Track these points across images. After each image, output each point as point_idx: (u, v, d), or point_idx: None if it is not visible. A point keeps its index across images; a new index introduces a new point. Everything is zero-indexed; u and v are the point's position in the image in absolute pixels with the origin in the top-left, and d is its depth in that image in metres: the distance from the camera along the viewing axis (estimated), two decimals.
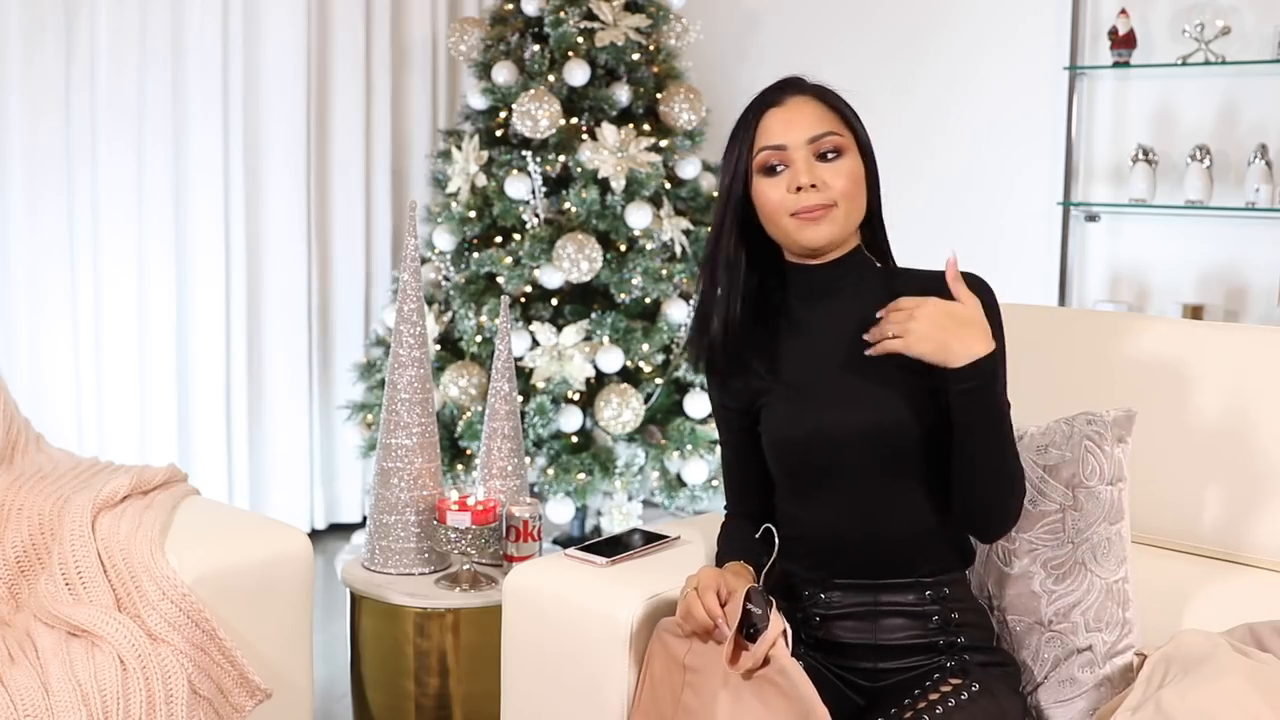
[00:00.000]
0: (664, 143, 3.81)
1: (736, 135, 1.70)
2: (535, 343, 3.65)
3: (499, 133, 3.88)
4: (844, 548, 1.68)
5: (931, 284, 1.64)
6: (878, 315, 1.60)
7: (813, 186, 1.63)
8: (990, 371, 1.56)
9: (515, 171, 3.73)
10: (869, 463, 1.65)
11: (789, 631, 1.54)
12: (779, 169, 1.66)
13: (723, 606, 1.59)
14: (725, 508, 1.89)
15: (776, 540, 1.70)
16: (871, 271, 1.74)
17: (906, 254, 1.80)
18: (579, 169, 3.71)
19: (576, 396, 3.70)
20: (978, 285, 1.66)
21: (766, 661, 1.51)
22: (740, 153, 1.69)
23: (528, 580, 1.90)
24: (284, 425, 4.16)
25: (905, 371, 1.63)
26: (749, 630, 1.54)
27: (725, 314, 1.73)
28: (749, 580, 1.68)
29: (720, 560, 1.78)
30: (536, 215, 3.73)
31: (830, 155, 1.65)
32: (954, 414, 1.59)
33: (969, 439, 1.59)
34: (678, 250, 3.76)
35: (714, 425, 3.68)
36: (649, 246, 3.71)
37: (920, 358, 1.55)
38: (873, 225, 1.74)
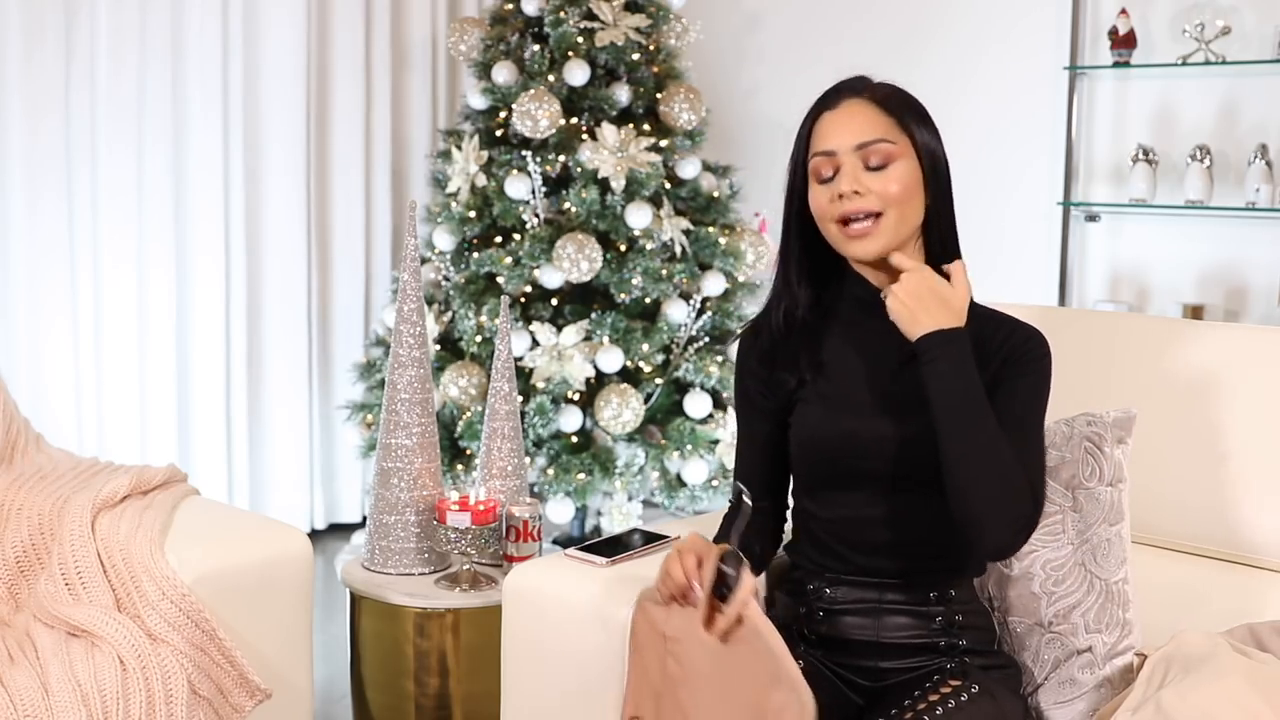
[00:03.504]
0: (664, 143, 3.81)
1: (798, 137, 1.70)
2: (535, 343, 3.65)
3: (499, 133, 3.88)
4: (856, 548, 1.68)
5: (1000, 327, 1.65)
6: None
7: (855, 193, 1.62)
8: (952, 350, 1.54)
9: (515, 171, 3.73)
10: (894, 473, 1.64)
11: (760, 591, 1.51)
12: (828, 174, 1.65)
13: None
14: (730, 500, 1.88)
15: (749, 501, 1.66)
16: None
17: None
18: (579, 169, 3.71)
19: (576, 396, 3.70)
20: (1038, 343, 1.65)
21: (740, 623, 1.49)
22: (799, 155, 1.69)
23: (528, 580, 1.90)
24: (284, 425, 4.16)
25: None
26: (723, 592, 1.51)
27: (785, 309, 1.74)
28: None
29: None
30: (536, 215, 3.73)
31: (879, 163, 1.63)
32: (927, 393, 1.57)
33: (937, 425, 1.56)
34: (678, 250, 3.76)
35: (713, 426, 3.71)
36: (649, 246, 3.71)
37: (894, 322, 1.58)
38: (940, 236, 1.68)
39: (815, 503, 1.72)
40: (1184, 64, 3.59)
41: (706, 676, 1.51)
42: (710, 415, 3.75)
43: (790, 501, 1.84)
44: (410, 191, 4.48)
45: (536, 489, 3.63)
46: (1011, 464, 1.54)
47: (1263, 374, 1.86)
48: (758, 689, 1.46)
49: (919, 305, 1.57)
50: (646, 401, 3.70)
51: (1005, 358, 1.64)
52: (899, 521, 1.66)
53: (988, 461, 1.53)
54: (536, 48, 3.87)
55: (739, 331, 1.85)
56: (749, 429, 1.82)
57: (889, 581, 1.67)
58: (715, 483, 3.79)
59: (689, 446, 3.70)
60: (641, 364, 3.71)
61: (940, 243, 1.69)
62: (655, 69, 3.92)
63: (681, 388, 3.80)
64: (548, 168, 3.73)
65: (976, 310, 1.68)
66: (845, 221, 1.63)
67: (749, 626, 1.48)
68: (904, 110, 1.68)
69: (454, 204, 3.84)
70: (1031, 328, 1.68)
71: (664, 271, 3.72)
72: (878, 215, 1.62)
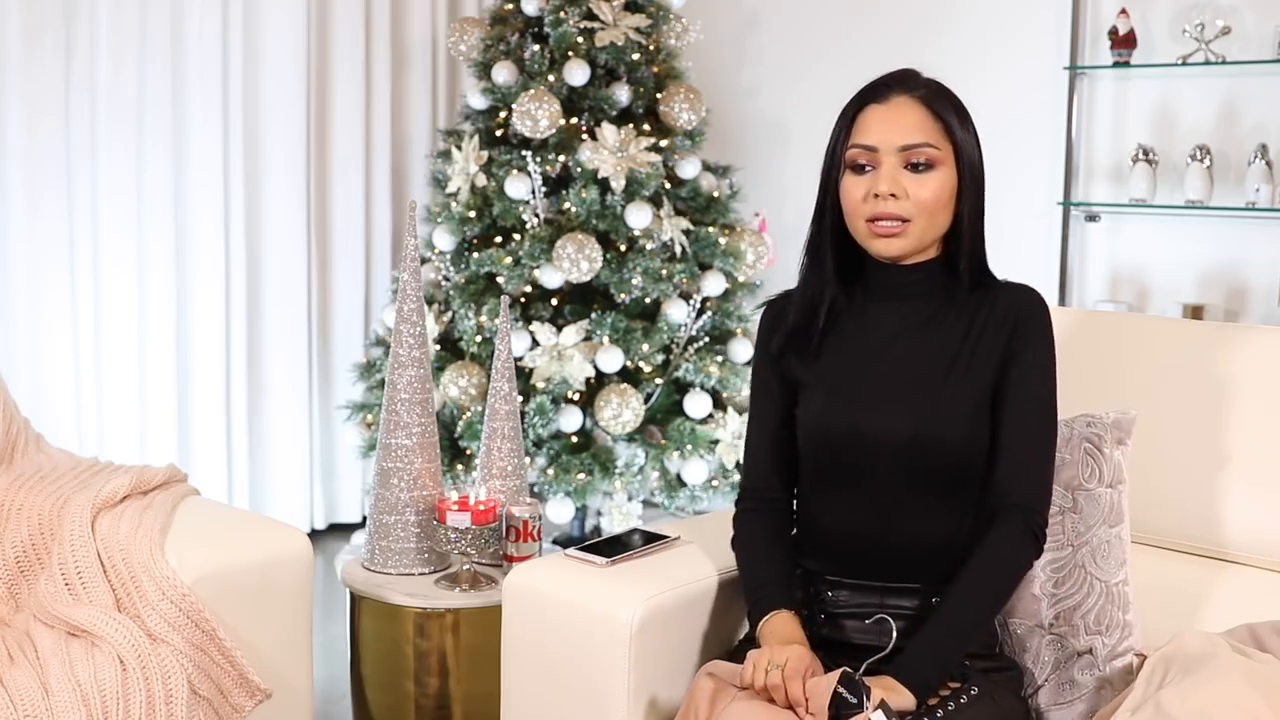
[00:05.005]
0: (664, 143, 3.81)
1: (838, 123, 1.68)
2: (535, 343, 3.65)
3: (499, 133, 3.88)
4: (856, 548, 1.68)
5: (1008, 299, 1.67)
6: None
7: (892, 196, 1.62)
8: (923, 677, 1.55)
9: (515, 171, 3.73)
10: (897, 470, 1.64)
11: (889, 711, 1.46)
12: (866, 169, 1.64)
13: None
14: (739, 488, 1.85)
15: (895, 633, 1.63)
16: (942, 284, 1.71)
17: None
18: (579, 169, 3.71)
19: (576, 396, 3.70)
20: (1040, 306, 1.68)
21: None
22: (838, 142, 1.68)
23: (528, 580, 1.90)
24: (284, 425, 4.16)
25: (955, 387, 1.63)
26: (837, 712, 1.47)
27: (811, 292, 1.73)
28: (805, 644, 1.61)
29: (755, 585, 1.72)
30: (536, 215, 3.73)
31: (920, 167, 1.63)
32: None
33: None
34: (677, 250, 3.76)
35: (713, 426, 3.71)
36: (649, 246, 3.71)
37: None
38: (961, 236, 1.69)
39: (819, 498, 1.72)
40: (1184, 64, 3.59)
41: None
42: (710, 415, 3.75)
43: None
44: (410, 191, 4.48)
45: (536, 489, 3.63)
46: (1002, 587, 1.64)
47: (1263, 374, 1.86)
48: None
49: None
50: (646, 401, 3.70)
51: (1015, 325, 1.65)
52: (901, 522, 1.65)
53: (994, 613, 1.66)
54: (536, 48, 3.87)
55: (763, 302, 1.83)
56: (763, 412, 1.80)
57: (891, 586, 1.67)
58: (715, 483, 3.79)
59: (689, 446, 3.70)
60: (641, 364, 3.71)
61: (961, 253, 1.69)
62: (655, 69, 3.92)
63: (681, 388, 3.80)
64: (548, 168, 3.73)
65: (994, 288, 1.71)
66: (874, 219, 1.63)
67: None
68: (952, 115, 1.67)
69: (454, 204, 3.84)
70: (1025, 286, 1.70)
71: (664, 271, 3.72)
72: (907, 220, 1.63)
